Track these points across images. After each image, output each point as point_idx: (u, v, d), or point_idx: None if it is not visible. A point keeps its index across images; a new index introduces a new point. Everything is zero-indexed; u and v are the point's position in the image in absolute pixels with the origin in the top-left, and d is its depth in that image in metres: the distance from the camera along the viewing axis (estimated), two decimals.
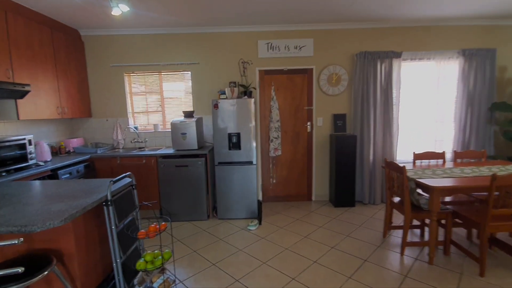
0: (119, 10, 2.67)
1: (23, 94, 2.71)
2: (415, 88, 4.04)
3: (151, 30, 3.85)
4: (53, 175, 2.85)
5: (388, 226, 2.96)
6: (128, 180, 2.11)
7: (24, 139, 2.62)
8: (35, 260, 1.46)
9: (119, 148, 3.99)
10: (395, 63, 3.83)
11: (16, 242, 1.15)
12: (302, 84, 4.03)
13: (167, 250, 1.98)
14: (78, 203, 1.57)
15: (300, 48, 3.91)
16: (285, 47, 3.90)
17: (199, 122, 3.67)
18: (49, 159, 3.10)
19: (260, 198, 4.21)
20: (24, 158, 2.62)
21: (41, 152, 3.02)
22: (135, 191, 2.12)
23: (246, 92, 3.69)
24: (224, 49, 3.92)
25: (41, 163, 2.88)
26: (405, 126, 4.11)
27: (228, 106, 3.40)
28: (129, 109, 4.10)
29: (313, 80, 4.01)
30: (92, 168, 3.44)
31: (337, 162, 3.79)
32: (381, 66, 3.83)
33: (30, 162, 2.69)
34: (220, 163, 3.52)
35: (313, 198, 4.24)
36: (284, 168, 4.17)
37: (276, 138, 4.04)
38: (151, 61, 3.94)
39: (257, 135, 4.08)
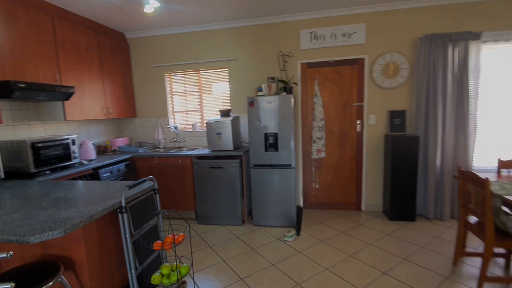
0: (150, 7, 2.60)
1: (68, 96, 2.84)
2: (500, 77, 3.19)
3: (188, 27, 3.78)
4: (94, 174, 2.95)
5: (461, 251, 2.34)
6: (149, 183, 1.99)
7: (67, 138, 2.74)
8: (44, 268, 1.40)
9: (160, 148, 4.04)
10: (473, 46, 3.06)
11: (5, 256, 1.06)
12: (351, 77, 3.52)
13: (185, 264, 1.79)
14: (87, 210, 1.47)
15: (349, 35, 3.41)
16: (331, 35, 3.45)
17: (235, 122, 3.47)
18: (93, 158, 3.24)
19: (301, 204, 3.84)
20: (67, 157, 2.75)
21: (86, 151, 3.16)
22: (157, 195, 1.99)
23: (285, 88, 3.36)
24: (262, 42, 3.65)
25: (85, 162, 3.01)
26: (485, 125, 3.29)
27: (265, 103, 3.12)
28: (170, 109, 4.12)
29: (364, 71, 3.47)
30: (133, 167, 3.51)
31: (393, 167, 3.21)
32: (454, 51, 3.10)
33: (74, 161, 2.81)
34: (255, 165, 3.26)
35: (363, 208, 3.70)
36: (329, 172, 3.72)
37: (319, 138, 3.62)
38: (189, 59, 3.88)
39: (297, 135, 3.72)
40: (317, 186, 3.78)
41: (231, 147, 3.37)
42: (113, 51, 3.68)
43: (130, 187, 1.68)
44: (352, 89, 3.54)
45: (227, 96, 3.91)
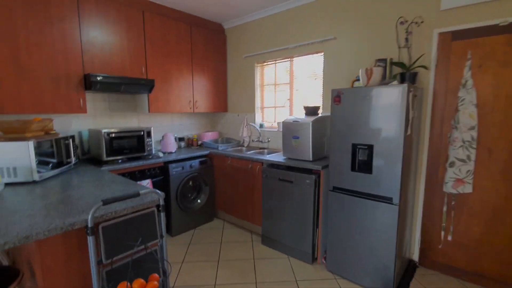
0: None
1: (150, 89, 2.90)
2: None
3: (283, 4, 3.11)
4: (164, 167, 2.92)
5: None
6: (153, 197, 1.57)
7: (141, 130, 2.80)
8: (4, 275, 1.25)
9: (243, 146, 3.69)
10: None
11: None
12: None
13: None
14: (41, 225, 1.19)
15: None
16: None
17: (319, 123, 2.57)
18: (173, 151, 3.26)
19: (415, 257, 2.46)
20: (141, 148, 2.82)
21: (167, 143, 3.21)
22: (162, 214, 1.55)
23: (404, 75, 2.12)
24: (373, 7, 2.48)
25: (161, 155, 3.04)
26: None
27: (358, 99, 2.06)
28: (257, 104, 3.66)
29: None
30: (209, 164, 3.31)
31: None
32: None
33: (146, 153, 2.86)
34: (336, 188, 2.27)
35: None
36: (477, 219, 2.14)
37: (463, 160, 2.13)
38: (281, 44, 3.24)
39: (415, 152, 2.35)
40: (449, 238, 2.28)
41: (309, 157, 2.51)
42: (207, 44, 3.57)
43: (106, 203, 1.30)
44: None
45: (321, 88, 3.00)
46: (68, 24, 2.37)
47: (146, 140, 2.85)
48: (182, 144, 3.65)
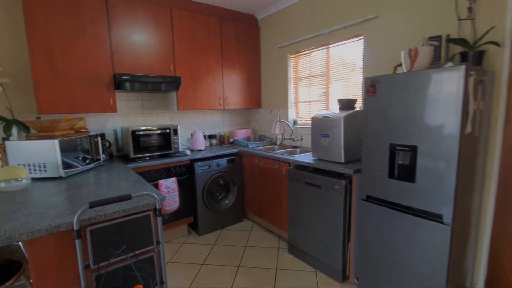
0: None
1: (177, 86, 2.88)
2: None
3: None
4: (191, 165, 2.88)
5: None
6: (149, 199, 1.47)
7: (167, 128, 2.80)
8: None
9: (275, 145, 3.45)
10: None
11: None
12: None
13: None
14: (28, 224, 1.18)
15: None
16: None
17: (353, 119, 2.19)
18: (202, 148, 3.22)
19: (480, 286, 1.91)
20: (168, 146, 2.82)
21: (196, 141, 3.18)
22: (159, 219, 1.45)
23: (466, 54, 1.64)
24: None
25: (188, 152, 3.01)
26: None
27: (398, 88, 1.65)
28: (290, 98, 3.38)
29: None
30: (238, 163, 3.18)
31: None
32: None
33: (173, 150, 2.86)
34: (369, 198, 1.88)
35: None
36: None
37: None
38: (315, 30, 2.89)
39: (487, 156, 1.79)
40: None
41: (341, 159, 2.16)
42: (238, 37, 3.42)
43: (93, 206, 1.25)
44: None
45: (360, 79, 2.59)
46: (98, 26, 2.46)
47: (173, 137, 2.85)
48: (214, 141, 3.60)
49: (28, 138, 2.02)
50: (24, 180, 1.80)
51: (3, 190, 1.72)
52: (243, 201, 3.31)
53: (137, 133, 2.62)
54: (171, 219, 2.80)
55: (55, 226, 1.20)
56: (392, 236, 1.76)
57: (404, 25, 2.14)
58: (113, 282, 1.36)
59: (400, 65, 1.92)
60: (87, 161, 2.23)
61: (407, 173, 1.65)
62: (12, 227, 1.18)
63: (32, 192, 1.69)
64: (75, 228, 1.21)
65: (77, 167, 2.12)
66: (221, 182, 3.14)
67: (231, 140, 3.68)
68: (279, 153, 2.84)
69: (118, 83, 2.52)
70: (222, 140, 3.66)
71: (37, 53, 2.21)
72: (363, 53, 2.48)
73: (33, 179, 1.99)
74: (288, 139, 3.31)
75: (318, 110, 3.11)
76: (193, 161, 2.89)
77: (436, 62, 1.76)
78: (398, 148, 1.68)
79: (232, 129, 3.88)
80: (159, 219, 1.45)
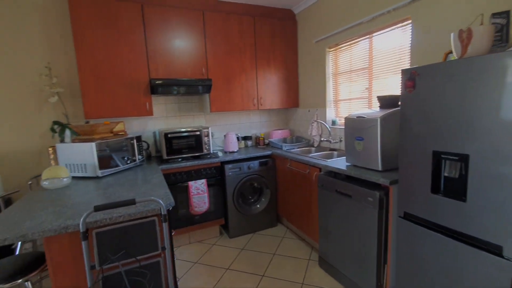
0: None
1: (208, 89, 2.90)
2: None
3: None
4: (222, 167, 2.87)
5: None
6: (154, 205, 1.46)
7: (197, 130, 2.83)
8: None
9: (313, 147, 3.21)
10: None
11: None
12: None
13: None
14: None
15: None
16: None
17: (392, 119, 1.85)
18: (235, 150, 3.18)
19: None
20: (199, 147, 2.86)
21: (228, 143, 3.16)
22: (164, 225, 1.43)
23: None
24: None
25: (220, 154, 3.01)
26: None
27: (444, 80, 1.30)
28: (329, 97, 3.09)
29: None
30: (271, 166, 3.05)
31: None
32: None
33: (204, 152, 2.88)
34: (407, 215, 1.55)
35: None
36: None
37: None
38: (355, 18, 2.57)
39: None
40: None
41: (378, 166, 1.86)
42: (274, 34, 3.28)
43: (98, 209, 1.29)
44: None
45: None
46: (135, 36, 2.62)
47: (204, 139, 2.88)
48: (249, 143, 3.54)
49: (73, 140, 2.26)
50: (65, 179, 2.01)
51: (47, 188, 1.94)
52: (276, 205, 3.17)
53: (169, 135, 2.72)
54: (202, 219, 2.83)
55: (64, 227, 1.27)
56: (437, 264, 1.42)
57: (461, 2, 1.71)
58: (119, 285, 1.39)
59: (450, 52, 1.53)
60: (123, 162, 2.38)
61: (456, 188, 1.30)
62: (30, 224, 1.29)
63: (67, 191, 1.86)
64: (81, 230, 1.26)
65: (114, 167, 2.28)
66: (255, 184, 3.06)
67: (266, 141, 3.57)
68: (312, 156, 2.62)
69: (152, 88, 2.65)
70: (258, 142, 3.57)
71: (83, 64, 2.46)
72: (411, 40, 2.08)
73: (76, 177, 2.22)
74: (325, 140, 3.04)
75: (360, 109, 2.76)
76: (224, 163, 2.87)
77: (501, 44, 1.34)
78: (443, 156, 1.33)
79: (268, 130, 3.76)
80: (165, 225, 1.44)
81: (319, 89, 3.17)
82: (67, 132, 2.45)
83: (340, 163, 2.24)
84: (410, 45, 2.10)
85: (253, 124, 3.67)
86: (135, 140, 2.56)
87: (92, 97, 2.52)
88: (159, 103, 3.11)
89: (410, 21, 2.09)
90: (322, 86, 3.11)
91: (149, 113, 2.76)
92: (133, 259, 1.39)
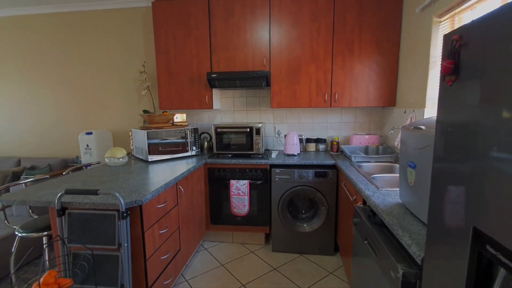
0: None
1: (267, 81, 2.61)
2: None
3: None
4: (270, 171, 2.56)
5: None
6: (113, 199, 1.44)
7: (248, 127, 2.61)
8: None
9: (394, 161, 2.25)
10: None
11: None
12: None
13: None
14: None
15: None
16: None
17: None
18: (295, 153, 2.73)
19: None
20: (249, 146, 2.66)
21: (287, 144, 2.75)
22: (124, 221, 1.41)
23: None
24: None
25: (273, 156, 2.68)
26: None
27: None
28: (431, 93, 2.03)
29: None
30: (332, 178, 2.42)
31: None
32: None
33: (254, 151, 2.64)
34: None
35: None
36: None
37: None
38: None
39: None
40: None
41: (426, 218, 1.03)
42: (361, 6, 2.50)
43: (68, 192, 1.43)
44: None
45: None
46: (201, 31, 2.71)
47: (255, 137, 2.64)
48: (322, 147, 2.95)
49: (141, 128, 2.65)
50: (121, 159, 2.40)
51: (108, 164, 2.38)
52: (336, 230, 2.51)
53: (218, 129, 2.68)
54: (245, 222, 2.66)
55: (47, 202, 1.49)
56: None
57: None
58: (87, 264, 1.50)
59: None
60: (173, 152, 2.57)
61: None
62: (50, 193, 1.59)
63: (116, 169, 2.20)
64: (56, 207, 1.44)
65: (163, 154, 2.51)
66: (307, 198, 2.55)
67: (340, 148, 2.85)
68: (373, 177, 1.84)
69: (209, 82, 2.67)
70: (332, 147, 2.92)
71: (160, 60, 2.81)
72: None
73: (137, 158, 2.61)
74: None
75: None
76: (273, 166, 2.54)
77: None
78: (495, 253, 0.52)
79: (349, 134, 2.99)
80: (124, 222, 1.41)
81: (418, 81, 2.15)
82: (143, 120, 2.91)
83: (392, 196, 1.43)
84: None
85: (331, 124, 3.03)
86: (189, 132, 2.69)
87: (165, 90, 2.85)
88: (227, 97, 3.13)
89: None
90: (423, 77, 2.09)
91: (209, 106, 2.81)
92: (90, 245, 1.46)
